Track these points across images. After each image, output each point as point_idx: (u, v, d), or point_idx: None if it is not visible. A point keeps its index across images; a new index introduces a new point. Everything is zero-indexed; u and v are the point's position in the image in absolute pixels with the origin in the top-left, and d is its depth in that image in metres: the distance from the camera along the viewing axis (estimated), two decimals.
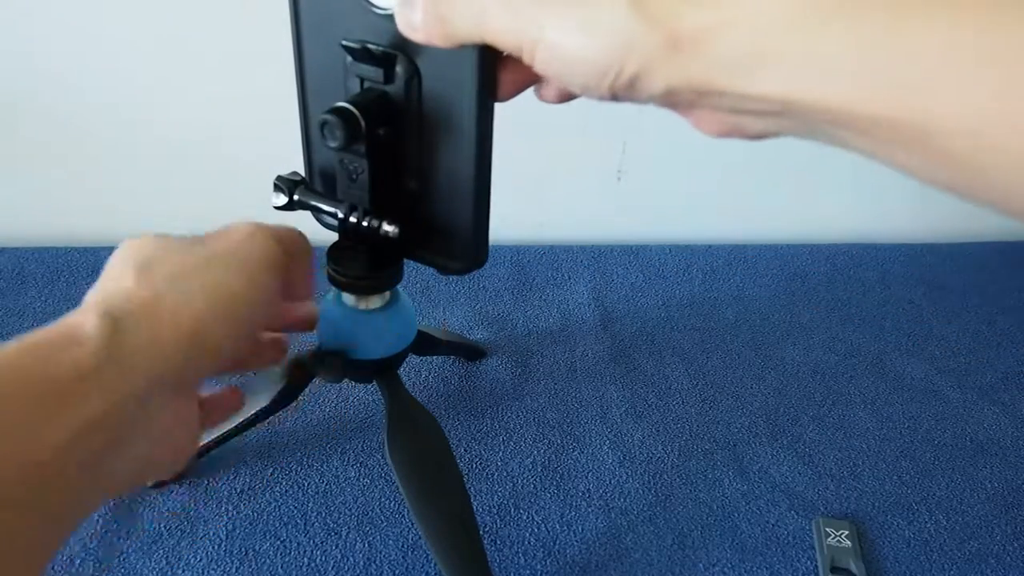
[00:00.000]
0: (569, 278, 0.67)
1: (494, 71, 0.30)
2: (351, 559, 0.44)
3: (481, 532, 0.46)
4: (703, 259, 0.70)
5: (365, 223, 0.35)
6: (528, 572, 0.44)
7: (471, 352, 0.58)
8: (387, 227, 0.35)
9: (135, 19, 0.59)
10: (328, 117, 0.31)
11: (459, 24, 0.26)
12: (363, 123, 0.31)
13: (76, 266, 0.64)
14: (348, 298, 0.39)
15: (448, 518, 0.39)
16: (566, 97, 0.31)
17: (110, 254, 0.70)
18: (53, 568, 0.43)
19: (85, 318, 0.26)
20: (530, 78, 0.31)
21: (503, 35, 0.25)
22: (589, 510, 0.46)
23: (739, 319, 0.64)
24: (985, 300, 0.68)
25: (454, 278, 0.64)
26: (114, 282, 0.29)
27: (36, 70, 0.61)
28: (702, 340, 0.62)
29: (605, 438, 0.52)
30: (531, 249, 0.70)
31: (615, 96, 0.25)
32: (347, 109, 0.31)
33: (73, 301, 0.61)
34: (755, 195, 0.73)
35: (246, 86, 0.63)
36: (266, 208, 0.75)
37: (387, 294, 0.40)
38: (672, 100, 0.25)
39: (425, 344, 0.48)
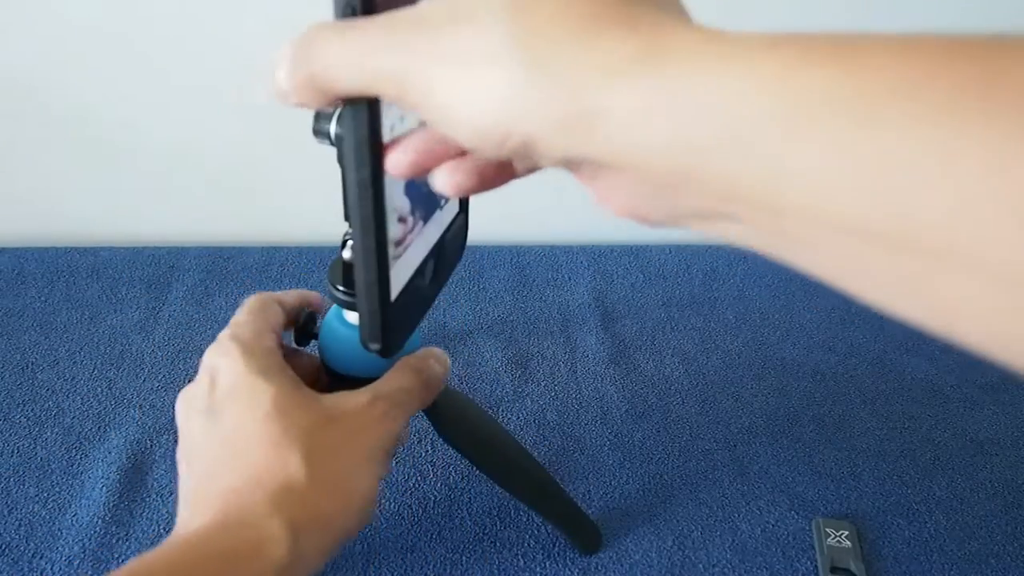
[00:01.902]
0: (569, 278, 0.67)
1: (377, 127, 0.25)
2: (350, 561, 0.44)
3: (481, 534, 0.46)
4: (703, 259, 0.70)
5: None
6: (528, 575, 0.44)
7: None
8: (346, 251, 0.34)
9: (135, 19, 0.59)
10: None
11: (339, 80, 0.23)
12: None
13: (76, 266, 0.64)
14: (355, 317, 0.37)
15: (527, 473, 0.43)
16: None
17: (110, 254, 0.70)
18: (52, 569, 0.43)
19: (271, 528, 0.29)
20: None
21: (380, 82, 0.22)
22: (589, 511, 0.46)
23: (739, 319, 0.64)
24: None
25: (454, 278, 0.64)
26: (280, 464, 0.31)
27: (36, 70, 0.61)
28: (702, 340, 0.62)
29: (605, 439, 0.52)
30: (531, 249, 0.70)
31: (511, 161, 0.22)
32: None
33: (73, 301, 0.62)
34: None
35: (247, 87, 0.63)
36: (265, 208, 0.75)
37: None
38: (574, 169, 0.22)
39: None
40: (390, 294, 0.28)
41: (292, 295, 0.39)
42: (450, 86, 0.21)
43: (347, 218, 0.33)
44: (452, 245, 0.35)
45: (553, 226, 0.73)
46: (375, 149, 0.24)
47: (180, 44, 0.60)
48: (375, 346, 0.29)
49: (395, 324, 0.29)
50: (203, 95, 0.63)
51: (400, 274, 0.29)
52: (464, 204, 0.36)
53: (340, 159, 0.31)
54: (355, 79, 0.22)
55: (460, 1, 0.21)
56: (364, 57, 0.22)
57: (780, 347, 0.61)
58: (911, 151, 0.16)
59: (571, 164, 0.22)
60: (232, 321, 0.36)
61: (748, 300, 0.66)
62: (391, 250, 0.27)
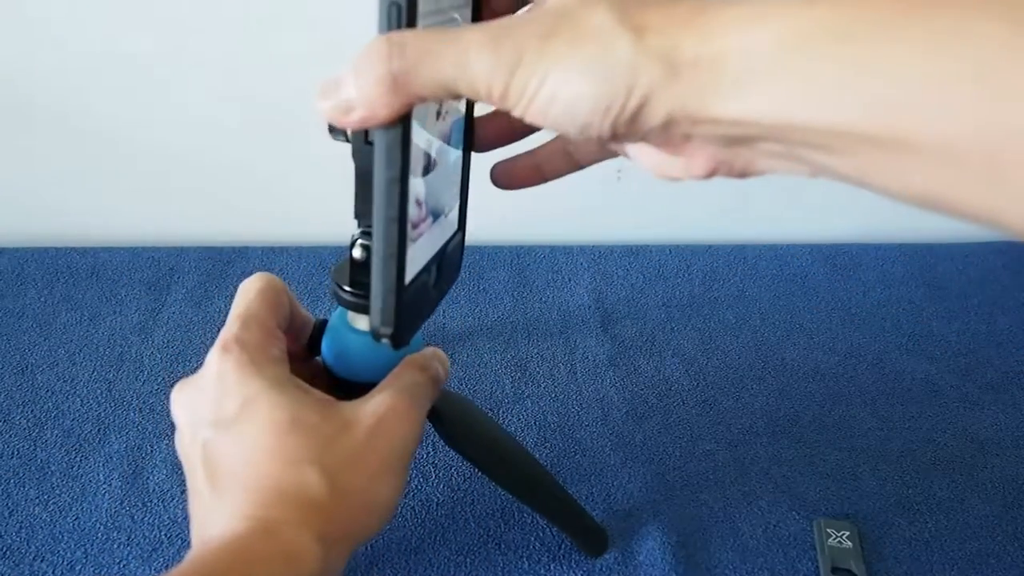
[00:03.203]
0: (569, 279, 0.67)
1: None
2: (352, 562, 0.44)
3: (485, 536, 0.46)
4: (703, 260, 0.70)
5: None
6: None
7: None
8: (355, 250, 0.34)
9: (136, 20, 0.59)
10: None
11: (430, 75, 0.24)
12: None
13: (76, 267, 0.64)
14: (361, 323, 0.37)
15: (533, 477, 0.43)
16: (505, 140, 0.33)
17: (110, 255, 0.70)
18: (54, 573, 0.43)
19: (303, 540, 0.29)
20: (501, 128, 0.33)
21: (484, 80, 0.24)
22: (592, 512, 0.46)
23: (739, 320, 0.64)
24: (985, 300, 0.68)
25: None
26: (300, 481, 0.31)
27: (36, 70, 0.61)
28: (702, 341, 0.62)
29: (607, 440, 0.52)
30: (531, 250, 0.70)
31: (614, 134, 0.24)
32: None
33: (72, 302, 0.62)
34: (755, 195, 0.73)
35: (247, 88, 0.63)
36: (267, 209, 0.75)
37: None
38: (668, 133, 0.25)
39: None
40: (405, 276, 0.28)
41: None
42: (566, 68, 0.23)
43: (357, 216, 0.33)
44: (451, 259, 0.36)
45: (553, 227, 0.73)
46: (406, 144, 0.26)
47: (180, 44, 0.60)
48: (387, 330, 0.29)
49: (407, 312, 0.29)
50: (203, 95, 0.63)
51: (413, 260, 0.29)
52: (462, 222, 0.36)
53: (356, 153, 0.31)
54: (448, 78, 0.24)
55: (552, 6, 0.24)
56: (465, 55, 0.24)
57: (780, 348, 0.62)
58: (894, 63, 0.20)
59: (669, 125, 0.24)
60: (237, 315, 0.35)
61: (748, 301, 0.66)
62: (408, 231, 0.28)
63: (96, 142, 0.65)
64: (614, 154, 0.32)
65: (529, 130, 0.33)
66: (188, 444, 0.33)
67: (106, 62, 0.60)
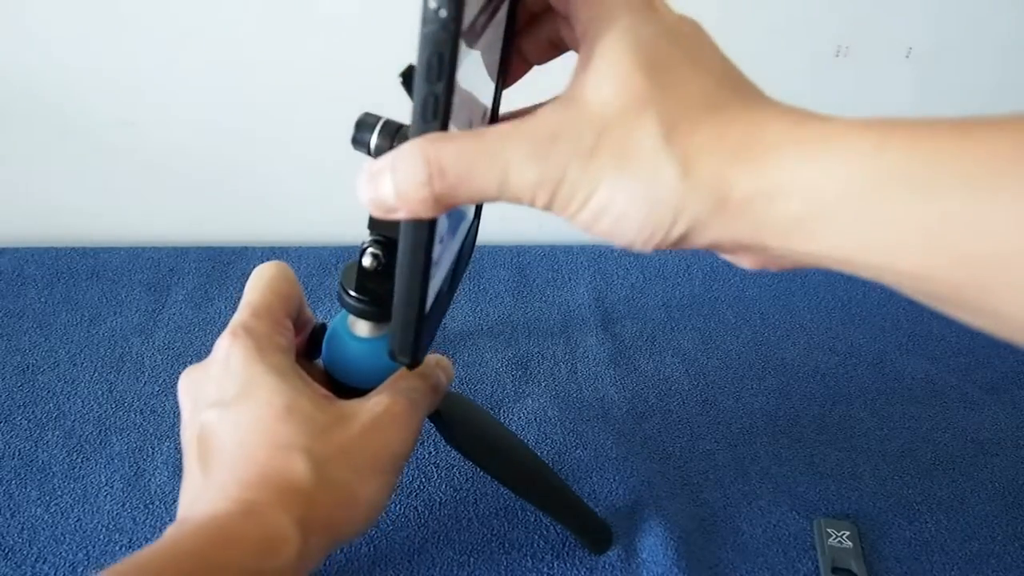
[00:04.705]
0: (569, 279, 0.67)
1: None
2: (356, 563, 0.44)
3: (489, 535, 0.46)
4: (703, 260, 0.70)
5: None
6: (535, 575, 0.44)
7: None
8: (365, 258, 0.34)
9: (136, 19, 0.59)
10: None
11: (471, 193, 0.24)
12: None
13: (76, 267, 0.64)
14: (363, 328, 0.37)
15: (536, 476, 0.43)
16: None
17: (110, 255, 0.70)
18: (56, 574, 0.43)
19: (283, 524, 0.29)
20: None
21: (528, 192, 0.24)
22: (596, 510, 0.46)
23: (739, 320, 0.64)
24: None
25: None
26: (287, 467, 0.31)
27: (36, 70, 0.61)
28: (703, 341, 0.62)
29: (607, 439, 0.52)
30: (531, 250, 0.70)
31: (658, 248, 0.25)
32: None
33: (73, 303, 0.62)
34: None
35: (247, 87, 0.63)
36: (268, 208, 0.75)
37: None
38: (716, 249, 0.25)
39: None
40: (425, 308, 0.29)
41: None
42: (611, 188, 0.23)
43: (371, 227, 0.33)
44: (466, 250, 0.36)
45: (553, 226, 0.73)
46: (431, 232, 0.26)
47: (181, 44, 0.60)
48: (404, 360, 0.29)
49: (424, 338, 0.30)
50: (204, 95, 0.63)
51: (432, 290, 0.29)
52: (478, 209, 0.36)
53: None
54: (490, 192, 0.24)
55: (593, 107, 0.23)
56: (508, 170, 0.24)
57: (780, 347, 0.62)
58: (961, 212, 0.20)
59: (717, 247, 0.24)
60: (247, 301, 0.36)
61: (748, 301, 0.66)
62: (431, 270, 0.28)
63: (96, 142, 0.65)
64: None
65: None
66: (188, 425, 0.34)
67: (106, 62, 0.60)
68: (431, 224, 0.26)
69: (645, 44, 0.24)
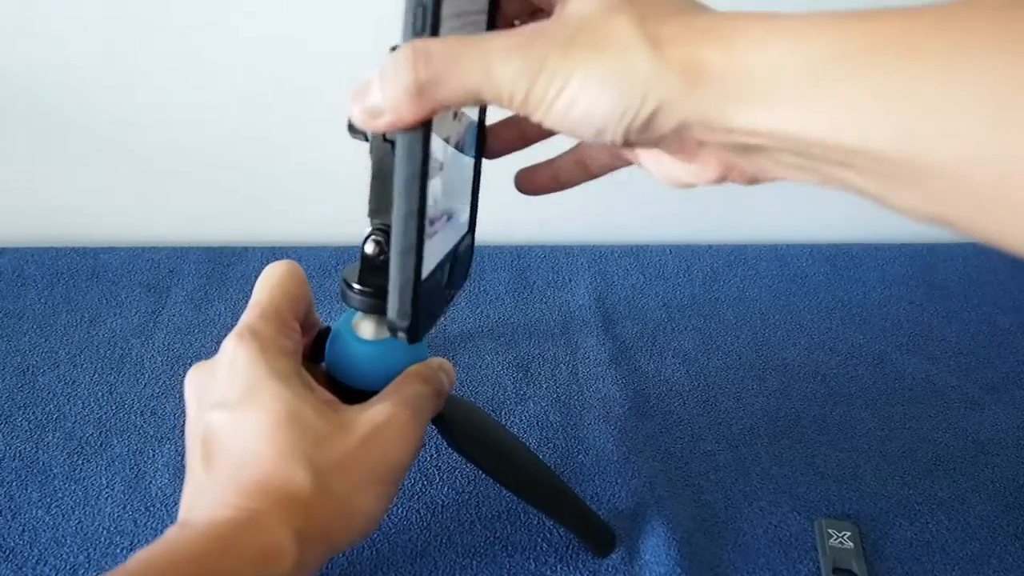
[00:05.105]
0: (570, 280, 0.67)
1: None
2: (358, 567, 0.44)
3: (492, 538, 0.46)
4: (704, 260, 0.70)
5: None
6: None
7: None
8: (367, 245, 0.34)
9: (137, 19, 0.59)
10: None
11: (456, 83, 0.25)
12: None
13: (76, 268, 0.64)
14: (366, 330, 0.37)
15: (539, 479, 0.43)
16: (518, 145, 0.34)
17: (110, 256, 0.70)
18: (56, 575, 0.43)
19: (280, 536, 0.29)
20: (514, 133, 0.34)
21: (509, 83, 0.25)
22: (598, 512, 0.46)
23: (740, 320, 0.64)
24: (985, 300, 0.68)
25: None
26: (286, 476, 0.31)
27: (36, 70, 0.61)
28: (703, 341, 0.62)
29: (609, 439, 0.52)
30: (531, 250, 0.70)
31: (626, 139, 0.25)
32: None
33: (73, 304, 0.61)
34: (755, 196, 0.73)
35: (248, 87, 0.63)
36: (265, 208, 0.75)
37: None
38: (681, 139, 0.25)
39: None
40: (422, 270, 0.29)
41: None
42: (585, 75, 0.24)
43: (371, 214, 0.33)
44: (463, 260, 0.36)
45: (553, 227, 0.73)
46: (427, 143, 0.26)
47: (181, 44, 0.60)
48: (403, 323, 0.29)
49: (423, 307, 0.30)
50: (204, 94, 0.63)
51: (429, 256, 0.30)
52: (472, 224, 0.36)
53: (375, 151, 0.32)
54: (473, 85, 0.25)
55: (571, 16, 0.25)
56: (489, 63, 0.24)
57: (781, 348, 0.62)
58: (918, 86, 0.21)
59: (682, 130, 0.25)
60: (255, 301, 0.36)
61: (748, 301, 0.66)
62: (426, 226, 0.28)
63: (96, 142, 0.65)
64: (627, 163, 0.33)
65: (539, 137, 0.34)
66: (192, 421, 0.34)
67: (107, 62, 0.60)
68: (424, 134, 0.26)
69: None
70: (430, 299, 0.31)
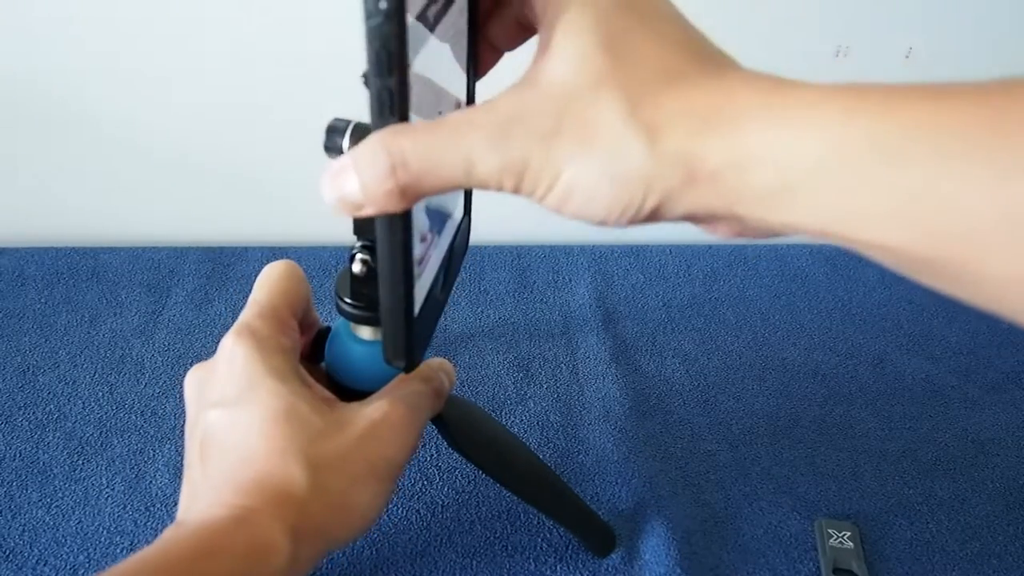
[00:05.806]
0: (570, 280, 0.67)
1: None
2: (358, 566, 0.44)
3: (492, 538, 0.46)
4: (704, 260, 0.70)
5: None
6: None
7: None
8: (355, 265, 0.34)
9: (137, 19, 0.58)
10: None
11: (437, 182, 0.24)
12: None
13: (76, 268, 0.64)
14: (365, 331, 0.36)
15: (540, 479, 0.43)
16: None
17: (110, 256, 0.70)
18: None
19: (274, 533, 0.29)
20: None
21: (495, 179, 0.23)
22: (598, 512, 0.46)
23: (740, 320, 0.64)
24: None
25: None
26: (282, 472, 0.30)
27: (37, 71, 0.60)
28: (703, 341, 0.62)
29: (609, 439, 0.52)
30: (531, 250, 0.70)
31: (633, 224, 0.24)
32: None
33: (73, 304, 0.61)
34: None
35: (249, 87, 0.63)
36: (265, 209, 0.75)
37: None
38: (691, 220, 0.25)
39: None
40: (413, 311, 0.28)
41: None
42: (577, 169, 0.23)
43: (356, 233, 0.33)
44: (458, 249, 0.35)
45: (553, 227, 0.73)
46: (408, 224, 0.25)
47: (181, 44, 0.60)
48: (400, 364, 0.29)
49: (418, 340, 0.29)
50: (204, 94, 0.63)
51: (421, 290, 0.29)
52: (468, 206, 0.36)
53: None
54: (456, 180, 0.24)
55: (553, 87, 0.23)
56: (471, 158, 0.23)
57: (781, 348, 0.62)
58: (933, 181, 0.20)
59: (691, 217, 0.24)
60: (254, 300, 0.36)
61: (748, 301, 0.66)
62: (415, 270, 0.27)
63: (96, 142, 0.65)
64: None
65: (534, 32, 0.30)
66: (191, 422, 0.34)
67: (107, 62, 0.60)
68: (405, 219, 0.25)
69: (604, 17, 0.23)
70: (424, 322, 0.31)
